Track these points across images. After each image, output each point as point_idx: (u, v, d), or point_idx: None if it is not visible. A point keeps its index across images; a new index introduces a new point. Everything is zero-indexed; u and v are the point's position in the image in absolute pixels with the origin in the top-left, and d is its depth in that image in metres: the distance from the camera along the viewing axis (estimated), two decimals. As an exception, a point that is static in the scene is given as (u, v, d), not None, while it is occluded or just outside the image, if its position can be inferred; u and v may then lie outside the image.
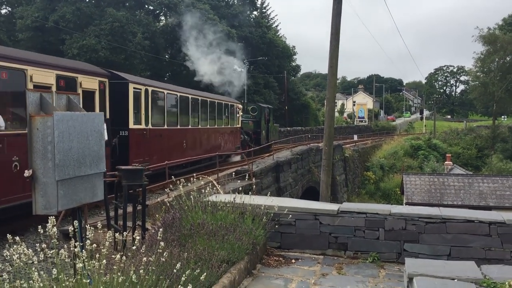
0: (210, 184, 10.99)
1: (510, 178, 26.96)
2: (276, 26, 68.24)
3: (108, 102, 12.85)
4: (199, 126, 20.07)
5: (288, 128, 50.95)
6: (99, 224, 4.56)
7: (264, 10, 66.95)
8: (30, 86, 9.53)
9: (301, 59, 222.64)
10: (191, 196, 7.24)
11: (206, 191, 7.67)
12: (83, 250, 4.04)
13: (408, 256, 6.44)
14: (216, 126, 22.23)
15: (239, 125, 26.63)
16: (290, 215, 7.39)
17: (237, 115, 26.04)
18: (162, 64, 46.49)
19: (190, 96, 19.17)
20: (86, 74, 11.99)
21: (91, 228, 4.25)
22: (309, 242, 7.46)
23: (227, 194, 9.13)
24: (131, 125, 14.21)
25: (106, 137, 5.61)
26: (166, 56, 47.71)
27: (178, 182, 7.77)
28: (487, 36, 61.15)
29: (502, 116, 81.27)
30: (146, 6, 47.55)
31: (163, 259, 4.47)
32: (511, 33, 60.83)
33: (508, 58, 61.05)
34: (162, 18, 50.61)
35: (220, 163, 21.62)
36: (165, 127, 16.79)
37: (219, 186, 12.74)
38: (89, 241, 4.10)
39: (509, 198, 25.30)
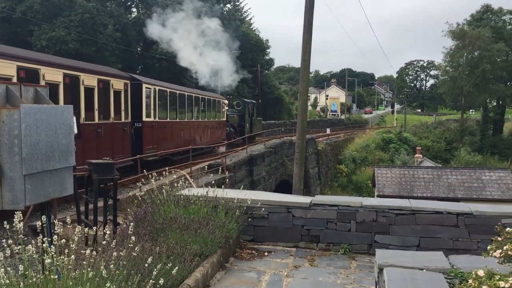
0: (183, 178, 10.92)
1: (478, 170, 27.59)
2: (250, 19, 68.14)
3: (130, 100, 15.72)
4: (193, 120, 22.44)
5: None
6: (68, 219, 4.48)
7: (237, 3, 66.69)
8: (82, 88, 12.62)
9: (274, 53, 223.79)
10: (164, 190, 7.18)
11: (179, 185, 7.61)
12: (52, 246, 3.96)
13: (378, 248, 6.54)
14: (206, 120, 24.52)
15: (225, 119, 28.78)
16: (263, 208, 7.42)
17: (223, 109, 28.15)
18: (134, 57, 45.74)
19: (186, 94, 21.71)
20: (116, 77, 15.09)
21: (60, 223, 4.16)
22: (282, 235, 7.51)
23: (200, 187, 9.11)
24: (144, 118, 16.66)
25: (75, 131, 5.49)
26: (138, 49, 46.98)
27: (150, 176, 7.70)
28: (456, 31, 62.20)
29: (470, 110, 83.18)
30: (117, -3, 46.62)
31: (135, 254, 4.42)
32: (479, 29, 61.96)
33: (476, 53, 62.20)
34: (134, 10, 49.75)
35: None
36: (168, 120, 19.12)
37: (192, 180, 12.68)
38: (58, 236, 4.01)
39: (477, 190, 25.92)
